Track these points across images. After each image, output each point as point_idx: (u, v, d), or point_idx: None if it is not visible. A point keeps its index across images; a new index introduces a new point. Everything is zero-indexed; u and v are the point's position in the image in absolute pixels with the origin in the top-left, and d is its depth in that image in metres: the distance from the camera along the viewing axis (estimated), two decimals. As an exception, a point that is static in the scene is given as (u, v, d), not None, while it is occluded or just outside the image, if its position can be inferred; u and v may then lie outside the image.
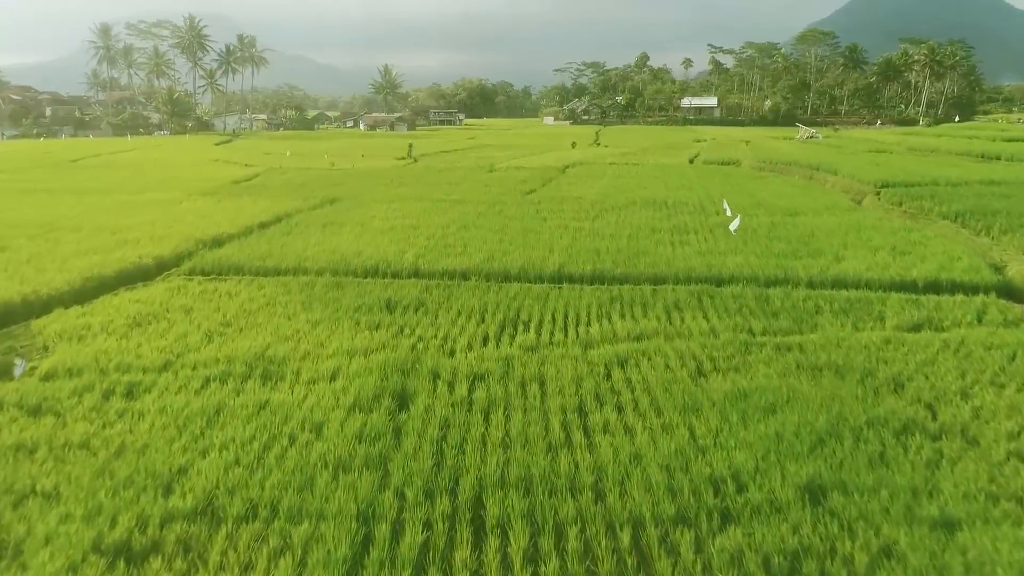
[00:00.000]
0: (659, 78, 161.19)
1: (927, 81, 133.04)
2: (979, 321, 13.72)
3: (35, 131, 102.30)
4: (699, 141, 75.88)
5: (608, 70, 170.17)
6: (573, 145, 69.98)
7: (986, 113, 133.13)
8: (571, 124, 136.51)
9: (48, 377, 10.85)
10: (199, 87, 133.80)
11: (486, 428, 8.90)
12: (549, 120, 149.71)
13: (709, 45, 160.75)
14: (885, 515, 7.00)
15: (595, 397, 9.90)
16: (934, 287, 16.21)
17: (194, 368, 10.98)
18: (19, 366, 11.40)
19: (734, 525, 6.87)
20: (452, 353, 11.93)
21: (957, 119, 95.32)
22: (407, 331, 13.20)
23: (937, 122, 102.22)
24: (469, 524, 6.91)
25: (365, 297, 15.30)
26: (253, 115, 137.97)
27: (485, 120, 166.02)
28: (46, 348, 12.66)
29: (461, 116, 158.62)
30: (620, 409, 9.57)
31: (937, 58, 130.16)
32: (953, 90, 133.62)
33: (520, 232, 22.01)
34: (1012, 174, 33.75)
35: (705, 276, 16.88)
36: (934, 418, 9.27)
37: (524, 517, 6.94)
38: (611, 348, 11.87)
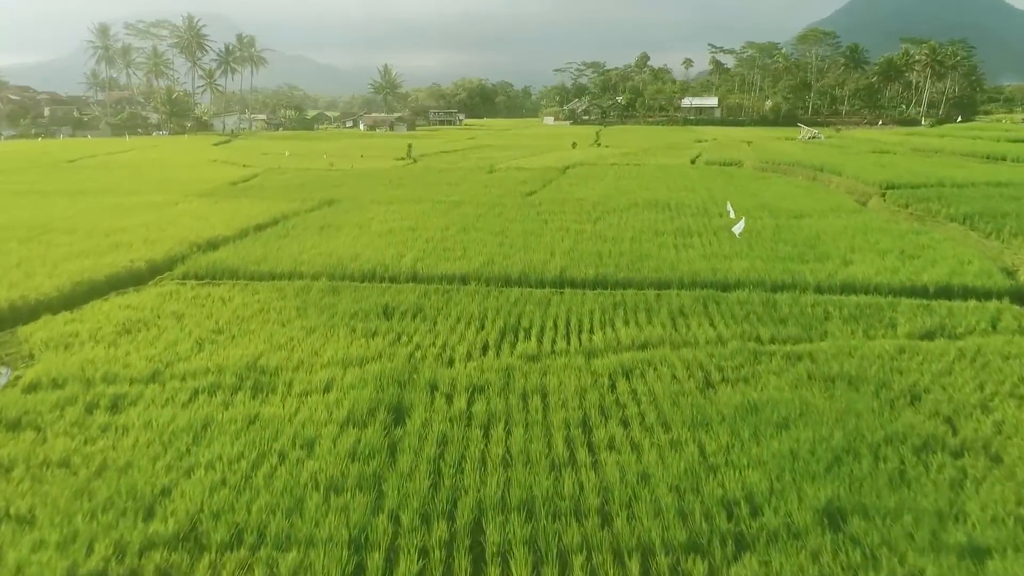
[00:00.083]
0: (659, 78, 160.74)
1: (928, 81, 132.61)
2: (993, 328, 13.33)
3: (33, 131, 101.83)
4: (700, 141, 75.44)
5: (608, 70, 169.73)
6: (574, 145, 69.57)
7: (987, 113, 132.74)
8: (571, 124, 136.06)
9: (31, 388, 10.44)
10: (198, 87, 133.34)
11: (486, 445, 8.49)
12: (549, 120, 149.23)
13: (710, 45, 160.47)
14: (910, 542, 6.59)
15: (599, 410, 9.49)
16: (945, 292, 15.82)
17: (183, 379, 10.57)
18: (3, 375, 11.02)
19: (749, 553, 6.47)
20: (451, 363, 11.53)
21: (959, 119, 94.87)
22: (404, 339, 12.80)
23: (939, 122, 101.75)
24: (468, 552, 6.50)
25: (362, 303, 14.90)
26: (252, 115, 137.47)
27: (485, 120, 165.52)
28: (32, 356, 12.26)
29: (461, 116, 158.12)
30: (626, 424, 9.17)
31: (938, 58, 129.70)
32: (954, 90, 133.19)
33: (521, 235, 21.61)
34: (1019, 175, 33.34)
35: (710, 281, 16.47)
36: (954, 433, 8.86)
37: (526, 544, 6.54)
38: (615, 358, 11.46)
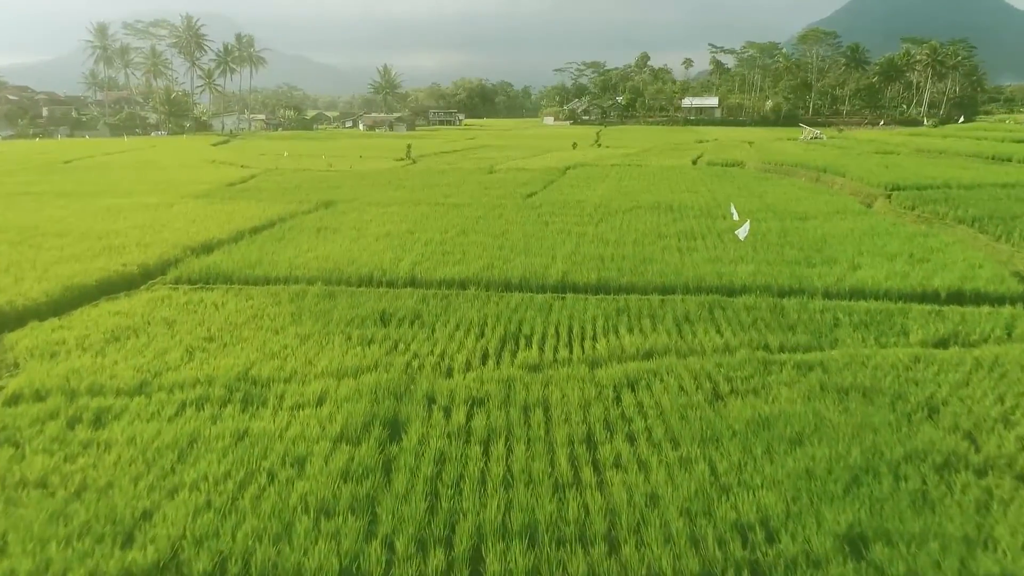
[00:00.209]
0: (660, 78, 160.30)
1: (929, 81, 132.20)
2: (1009, 336, 12.92)
3: (31, 131, 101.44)
4: (701, 142, 75.08)
5: (608, 70, 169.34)
6: (574, 146, 69.19)
7: (987, 113, 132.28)
8: (571, 124, 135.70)
9: (12, 401, 10.03)
10: (197, 87, 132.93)
11: (486, 463, 8.08)
12: (549, 120, 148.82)
13: (710, 45, 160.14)
14: (937, 572, 6.19)
15: (604, 425, 9.08)
16: (957, 298, 15.41)
17: (170, 391, 10.15)
18: (-15, 386, 10.59)
19: (767, 584, 6.06)
20: (449, 373, 11.12)
21: (962, 119, 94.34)
22: (402, 347, 12.40)
23: (941, 122, 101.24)
24: (466, 583, 6.10)
25: (358, 309, 14.49)
26: (251, 115, 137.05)
27: (485, 120, 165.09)
28: (16, 365, 11.84)
29: (461, 116, 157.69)
30: (632, 439, 8.75)
31: (939, 58, 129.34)
32: (955, 90, 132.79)
33: (521, 238, 21.21)
34: (1025, 176, 32.90)
35: (716, 286, 16.07)
36: (977, 450, 8.45)
37: (529, 574, 6.13)
38: (620, 367, 11.04)
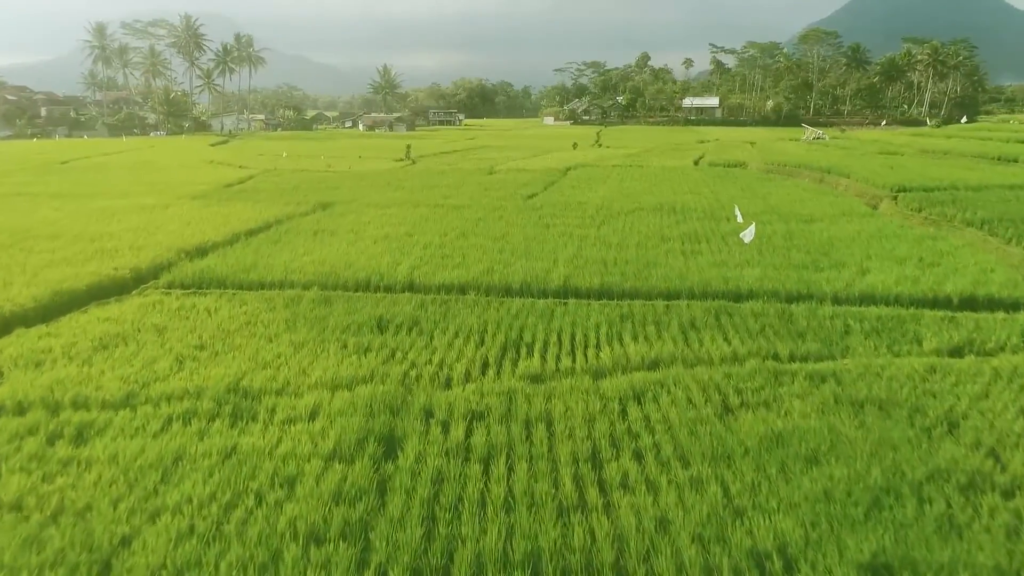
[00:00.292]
0: (660, 78, 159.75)
1: (930, 81, 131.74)
2: (1025, 344, 12.50)
3: (29, 132, 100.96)
4: (703, 142, 74.64)
5: (609, 70, 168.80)
6: (574, 146, 68.77)
7: (988, 113, 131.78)
8: (571, 124, 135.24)
9: (-8, 414, 9.61)
10: (196, 87, 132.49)
11: (486, 483, 7.67)
12: (549, 120, 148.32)
13: (710, 45, 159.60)
14: (970, 606, 5.78)
15: (610, 441, 8.67)
16: (970, 303, 15.01)
17: (157, 404, 9.73)
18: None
19: (787, 620, 5.65)
20: (448, 384, 10.72)
21: (965, 120, 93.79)
22: (399, 355, 11.99)
23: (945, 122, 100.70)
24: (465, 619, 5.69)
25: (355, 315, 14.09)
26: (251, 115, 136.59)
27: (485, 120, 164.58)
28: (0, 375, 11.43)
29: (461, 116, 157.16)
30: (640, 457, 8.34)
31: (940, 58, 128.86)
32: (956, 90, 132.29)
33: (522, 240, 20.80)
34: (1033, 178, 32.46)
35: (722, 291, 15.66)
36: (1002, 469, 8.04)
37: (532, 610, 5.73)
38: (625, 378, 10.63)
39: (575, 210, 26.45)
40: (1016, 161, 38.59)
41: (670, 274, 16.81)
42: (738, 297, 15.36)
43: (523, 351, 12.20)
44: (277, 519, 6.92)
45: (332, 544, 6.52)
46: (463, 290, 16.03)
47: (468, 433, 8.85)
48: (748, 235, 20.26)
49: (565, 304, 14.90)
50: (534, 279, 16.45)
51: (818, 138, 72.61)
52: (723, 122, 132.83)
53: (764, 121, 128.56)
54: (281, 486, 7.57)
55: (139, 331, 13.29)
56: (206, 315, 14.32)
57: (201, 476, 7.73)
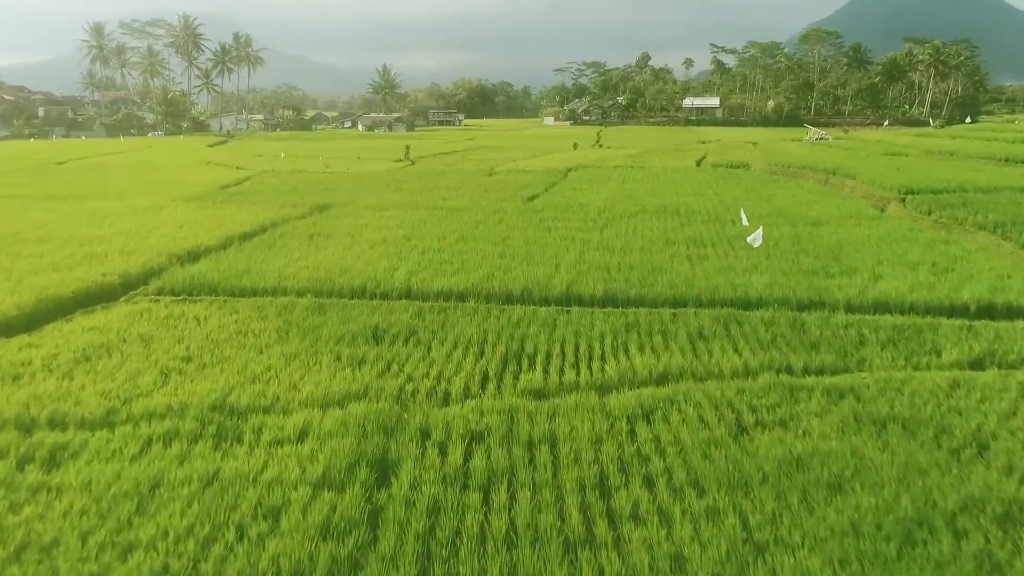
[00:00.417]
0: (660, 78, 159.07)
1: (932, 81, 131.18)
2: (1050, 355, 11.96)
3: (26, 132, 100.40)
4: (704, 143, 74.08)
5: (609, 70, 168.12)
6: (575, 147, 68.23)
7: (989, 114, 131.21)
8: (572, 125, 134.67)
9: (-38, 434, 9.06)
10: (194, 87, 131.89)
11: (486, 514, 7.12)
12: (549, 120, 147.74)
13: (711, 45, 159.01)
14: (1020, 661, 5.23)
15: (619, 466, 8.12)
16: (988, 311, 14.48)
17: (136, 424, 9.17)
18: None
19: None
20: (446, 400, 10.17)
21: (968, 120, 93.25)
22: (395, 368, 11.45)
23: (948, 123, 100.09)
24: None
25: (349, 324, 13.55)
26: (250, 115, 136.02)
27: (485, 120, 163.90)
28: (-24, 389, 10.88)
29: (460, 116, 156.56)
30: (651, 483, 7.79)
31: (942, 58, 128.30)
32: (957, 90, 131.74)
33: (523, 245, 20.25)
34: (1042, 179, 31.91)
35: (730, 298, 15.12)
36: (1040, 497, 7.49)
37: (537, 665, 5.18)
38: (633, 395, 10.08)
39: (577, 213, 25.91)
40: (1023, 162, 38.05)
41: (676, 280, 16.27)
42: (747, 305, 14.82)
43: (525, 363, 11.67)
44: (259, 557, 6.38)
45: (318, 586, 5.97)
46: (462, 297, 15.50)
47: (467, 456, 8.30)
48: (755, 239, 19.74)
49: (568, 312, 14.36)
50: (535, 285, 15.91)
51: (821, 138, 72.06)
52: (724, 122, 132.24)
53: (765, 121, 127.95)
54: (265, 518, 7.02)
55: (124, 341, 12.75)
56: (195, 324, 13.78)
57: (179, 506, 7.18)
